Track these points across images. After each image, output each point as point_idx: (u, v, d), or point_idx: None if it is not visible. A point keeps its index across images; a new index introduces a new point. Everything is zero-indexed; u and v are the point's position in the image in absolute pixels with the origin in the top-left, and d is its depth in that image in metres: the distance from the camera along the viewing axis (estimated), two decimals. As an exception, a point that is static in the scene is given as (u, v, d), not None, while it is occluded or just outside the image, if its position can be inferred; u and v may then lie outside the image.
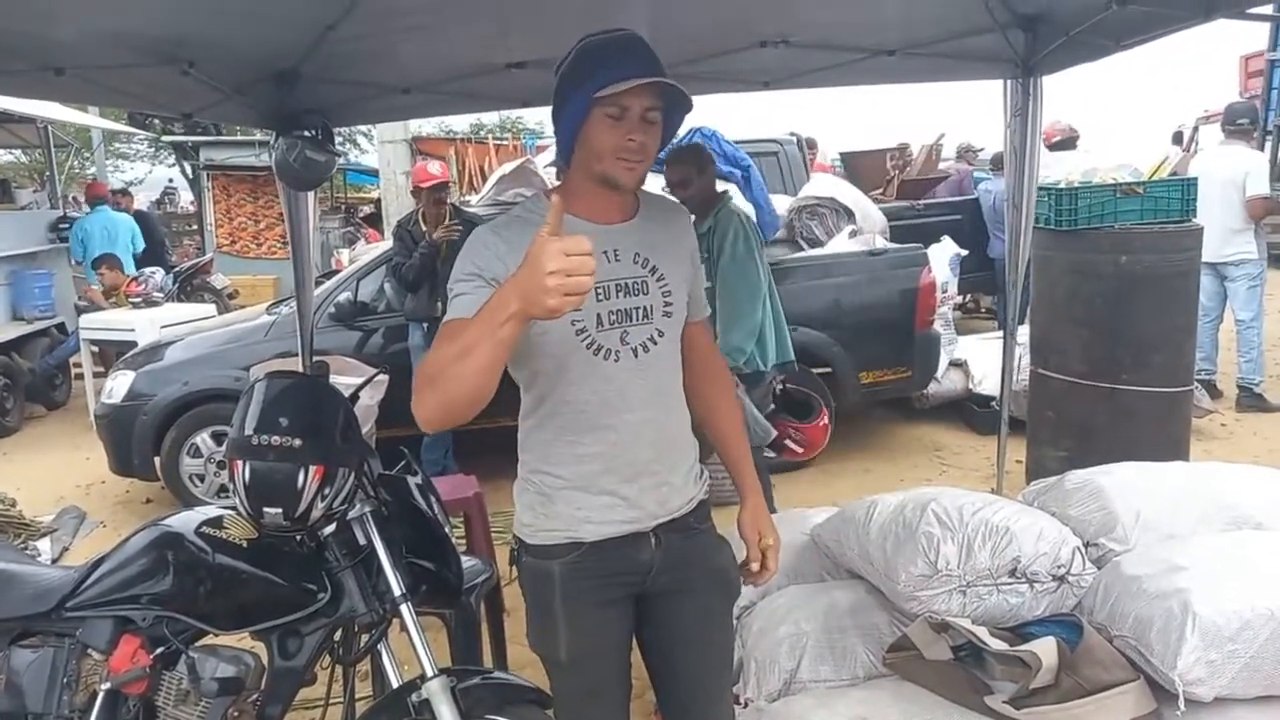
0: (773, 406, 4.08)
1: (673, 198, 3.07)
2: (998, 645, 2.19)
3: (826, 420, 5.34)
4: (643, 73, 1.55)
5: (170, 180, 19.90)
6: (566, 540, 1.72)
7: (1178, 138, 13.23)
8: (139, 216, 9.54)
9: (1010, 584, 2.31)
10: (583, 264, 1.28)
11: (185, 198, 18.63)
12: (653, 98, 1.58)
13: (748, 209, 5.88)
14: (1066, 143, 7.61)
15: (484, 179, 8.57)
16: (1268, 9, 2.61)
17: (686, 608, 1.81)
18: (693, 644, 1.82)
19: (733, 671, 1.92)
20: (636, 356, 1.70)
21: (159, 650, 1.95)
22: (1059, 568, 2.32)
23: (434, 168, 5.22)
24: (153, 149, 20.30)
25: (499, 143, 11.31)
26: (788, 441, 5.10)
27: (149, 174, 20.83)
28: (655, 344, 1.72)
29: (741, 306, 3.56)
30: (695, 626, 1.81)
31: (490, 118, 18.65)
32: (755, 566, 1.89)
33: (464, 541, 3.42)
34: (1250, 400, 6.12)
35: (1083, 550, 2.38)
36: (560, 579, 1.72)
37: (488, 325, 1.35)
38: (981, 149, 10.73)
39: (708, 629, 1.84)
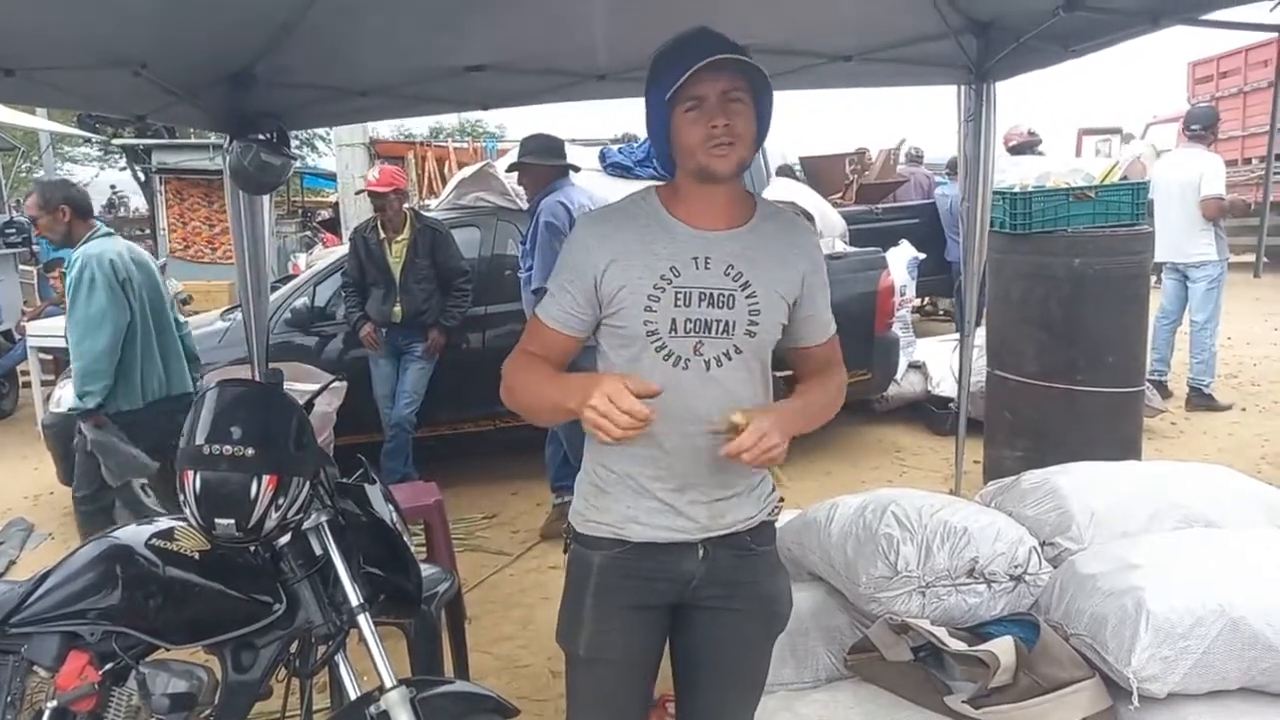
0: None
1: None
2: (957, 645, 2.22)
3: None
4: (704, 56, 1.50)
5: (113, 186, 19.38)
6: (612, 535, 1.71)
7: (1103, 147, 13.49)
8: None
9: (968, 584, 2.33)
10: (617, 418, 1.40)
11: (135, 202, 18.23)
12: (729, 79, 1.54)
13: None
14: (1026, 147, 7.72)
15: (444, 182, 8.50)
16: (1217, 14, 2.67)
17: (723, 630, 1.74)
18: (721, 669, 1.75)
19: (756, 706, 1.84)
20: (708, 369, 1.64)
21: (108, 666, 1.89)
22: (1016, 567, 2.34)
23: (374, 174, 5.08)
24: (102, 152, 19.80)
25: (459, 146, 11.22)
26: None
27: (95, 178, 20.30)
28: (729, 360, 1.64)
29: (76, 348, 3.46)
30: (728, 651, 1.74)
31: (450, 120, 18.56)
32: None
33: (424, 549, 3.38)
34: (1200, 400, 6.27)
35: (1039, 550, 2.41)
36: (598, 571, 1.71)
37: (556, 398, 1.56)
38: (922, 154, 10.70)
39: (741, 657, 1.76)
